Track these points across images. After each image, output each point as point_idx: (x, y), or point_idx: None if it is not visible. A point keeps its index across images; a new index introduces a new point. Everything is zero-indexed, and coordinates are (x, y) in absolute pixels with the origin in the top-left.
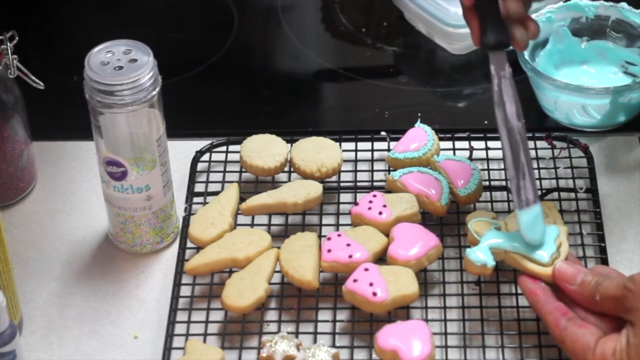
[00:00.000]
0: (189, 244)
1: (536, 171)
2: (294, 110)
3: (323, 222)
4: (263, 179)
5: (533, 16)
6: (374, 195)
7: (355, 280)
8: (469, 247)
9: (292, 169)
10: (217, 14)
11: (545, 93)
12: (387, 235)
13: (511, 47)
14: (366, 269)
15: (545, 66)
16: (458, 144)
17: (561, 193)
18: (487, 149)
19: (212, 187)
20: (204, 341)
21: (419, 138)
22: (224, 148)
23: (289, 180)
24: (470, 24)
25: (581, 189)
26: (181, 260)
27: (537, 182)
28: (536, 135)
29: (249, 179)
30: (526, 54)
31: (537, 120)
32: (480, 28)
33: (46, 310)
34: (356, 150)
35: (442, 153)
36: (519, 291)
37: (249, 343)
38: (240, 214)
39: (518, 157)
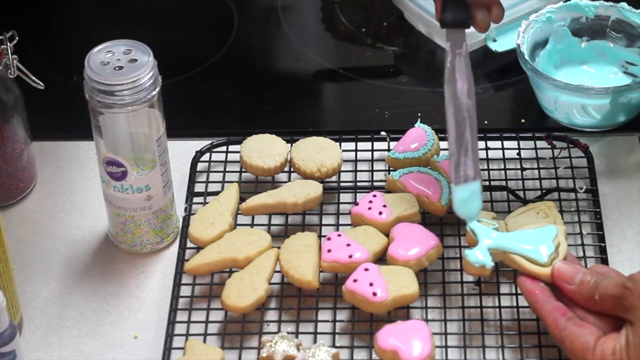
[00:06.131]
0: (189, 244)
1: (536, 171)
2: (294, 110)
3: (323, 222)
4: (263, 179)
5: (533, 16)
6: (374, 195)
7: (355, 280)
8: (468, 247)
9: (292, 169)
10: (217, 14)
11: (545, 93)
12: (387, 235)
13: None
14: (366, 269)
15: (545, 66)
16: None
17: (561, 193)
18: (487, 149)
19: (212, 187)
20: (204, 341)
21: (419, 138)
22: (224, 148)
23: (289, 180)
24: (435, 1)
25: (581, 189)
26: (181, 260)
27: (537, 182)
28: (536, 135)
29: (249, 179)
30: (526, 54)
31: (537, 120)
32: (441, 6)
33: (46, 310)
34: (356, 150)
35: (442, 153)
36: (519, 291)
37: (249, 343)
38: (240, 214)
39: (462, 134)
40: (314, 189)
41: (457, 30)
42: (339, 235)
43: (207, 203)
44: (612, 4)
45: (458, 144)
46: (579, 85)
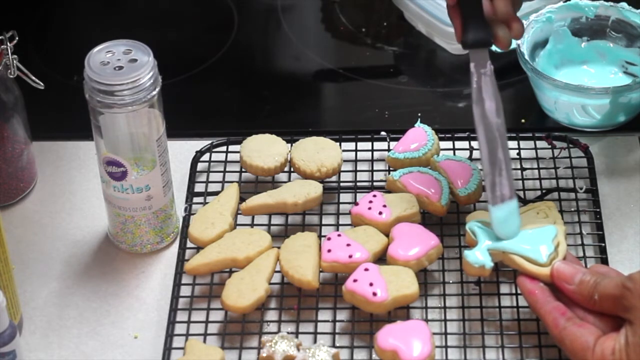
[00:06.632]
0: (189, 244)
1: (536, 171)
2: (294, 110)
3: (323, 222)
4: (263, 179)
5: (533, 16)
6: (374, 195)
7: (355, 280)
8: (468, 247)
9: (292, 169)
10: (217, 14)
11: (545, 93)
12: (387, 235)
13: (496, 48)
14: (366, 269)
15: (545, 66)
16: (458, 144)
17: (561, 193)
18: None
19: (212, 187)
20: (204, 341)
21: (419, 138)
22: (224, 148)
23: (289, 180)
24: (453, 22)
25: (581, 189)
26: (181, 260)
27: (537, 182)
28: (536, 135)
29: (249, 179)
30: (526, 54)
31: (537, 120)
32: (461, 26)
33: (46, 310)
34: (356, 150)
35: (442, 153)
36: (519, 291)
37: (249, 343)
38: (240, 214)
39: (495, 154)
40: (314, 189)
41: (480, 50)
42: (339, 235)
43: (207, 203)
44: (612, 4)
45: (491, 164)
46: (579, 85)
